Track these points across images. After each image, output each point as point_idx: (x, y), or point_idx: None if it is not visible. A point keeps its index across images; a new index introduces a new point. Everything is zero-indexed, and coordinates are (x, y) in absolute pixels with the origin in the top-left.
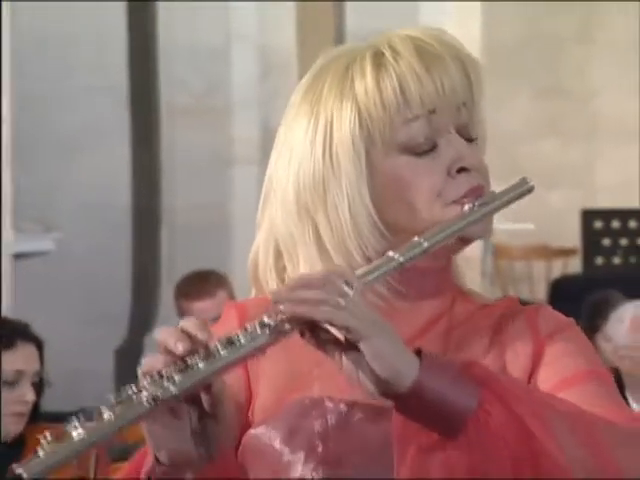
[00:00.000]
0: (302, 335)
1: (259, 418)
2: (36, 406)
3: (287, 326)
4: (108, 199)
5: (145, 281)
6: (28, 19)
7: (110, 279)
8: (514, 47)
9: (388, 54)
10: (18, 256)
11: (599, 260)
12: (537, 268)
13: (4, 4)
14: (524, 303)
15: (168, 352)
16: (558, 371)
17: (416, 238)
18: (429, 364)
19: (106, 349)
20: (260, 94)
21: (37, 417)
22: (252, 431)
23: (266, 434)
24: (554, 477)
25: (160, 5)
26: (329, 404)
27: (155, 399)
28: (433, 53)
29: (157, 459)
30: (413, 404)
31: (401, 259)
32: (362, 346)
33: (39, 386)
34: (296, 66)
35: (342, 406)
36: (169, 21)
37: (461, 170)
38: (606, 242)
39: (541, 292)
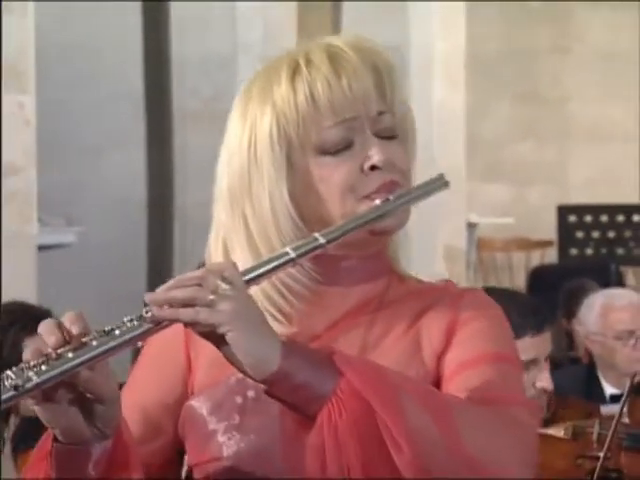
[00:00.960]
0: (185, 326)
1: (196, 392)
2: None
3: (163, 320)
4: (126, 196)
5: (159, 271)
6: (53, 31)
7: (126, 269)
8: (495, 58)
9: (302, 62)
10: (42, 248)
11: (573, 251)
12: (517, 259)
13: (29, 15)
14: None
15: (43, 344)
16: (463, 353)
17: (315, 234)
18: (290, 353)
19: None
20: None
21: None
22: (189, 402)
23: (199, 405)
24: (401, 459)
25: (173, 19)
26: (250, 381)
27: (16, 387)
28: (346, 60)
29: (56, 438)
30: (277, 389)
31: (293, 255)
32: (227, 338)
33: None
34: None
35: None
36: (181, 34)
37: (374, 167)
38: (579, 235)
39: (520, 281)
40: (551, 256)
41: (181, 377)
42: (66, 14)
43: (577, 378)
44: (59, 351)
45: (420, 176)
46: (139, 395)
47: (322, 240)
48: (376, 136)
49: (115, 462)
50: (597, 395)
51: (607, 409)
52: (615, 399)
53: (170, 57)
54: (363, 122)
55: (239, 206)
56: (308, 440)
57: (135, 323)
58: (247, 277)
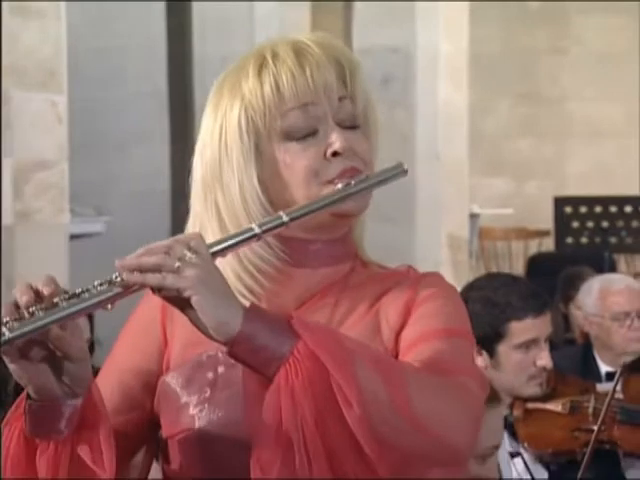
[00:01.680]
0: (153, 292)
1: (171, 368)
2: None
3: (131, 285)
4: (151, 187)
5: None
6: (86, 35)
7: None
8: (496, 59)
9: (269, 57)
10: (73, 237)
11: (569, 240)
12: (516, 247)
13: (62, 19)
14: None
15: (15, 304)
16: (417, 329)
17: (280, 212)
18: (250, 317)
19: None
20: None
21: None
22: (163, 378)
23: (172, 381)
24: (352, 416)
25: (195, 23)
26: (221, 356)
27: None
28: (310, 54)
29: (29, 395)
30: (239, 350)
31: (257, 230)
32: (192, 302)
33: (91, 347)
34: None
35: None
36: (203, 37)
37: (336, 154)
38: (575, 225)
39: (519, 268)
40: (548, 245)
41: (157, 352)
42: (97, 20)
43: (574, 358)
44: (31, 310)
45: (425, 170)
46: (118, 367)
47: (286, 218)
48: (339, 125)
49: (85, 420)
50: (593, 373)
51: (603, 387)
52: (610, 377)
53: (192, 58)
54: (326, 111)
55: (211, 194)
56: (267, 400)
57: (105, 287)
58: (213, 249)
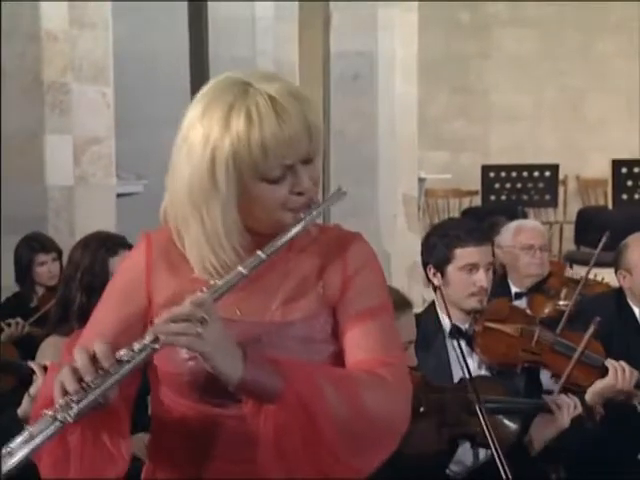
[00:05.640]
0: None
1: (154, 323)
2: None
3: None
4: None
5: None
6: (127, 41)
7: None
8: (438, 61)
9: (254, 114)
10: (119, 195)
11: (492, 197)
12: (453, 203)
13: (109, 30)
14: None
15: (64, 390)
16: (353, 308)
17: (258, 252)
18: (250, 367)
19: None
20: None
21: None
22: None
23: None
24: (325, 436)
25: (211, 32)
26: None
27: (62, 421)
28: (288, 114)
29: None
30: (242, 390)
31: (245, 272)
32: (205, 361)
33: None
34: (297, 73)
35: None
36: (216, 43)
37: (299, 193)
38: (496, 186)
39: None
40: (476, 201)
41: (141, 315)
42: (136, 29)
43: (495, 283)
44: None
45: (385, 145)
46: (101, 332)
47: (264, 256)
48: (300, 162)
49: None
50: (506, 293)
51: (515, 303)
52: (518, 296)
53: (208, 60)
54: (295, 160)
55: (197, 210)
56: (261, 422)
57: (143, 345)
58: (215, 297)
